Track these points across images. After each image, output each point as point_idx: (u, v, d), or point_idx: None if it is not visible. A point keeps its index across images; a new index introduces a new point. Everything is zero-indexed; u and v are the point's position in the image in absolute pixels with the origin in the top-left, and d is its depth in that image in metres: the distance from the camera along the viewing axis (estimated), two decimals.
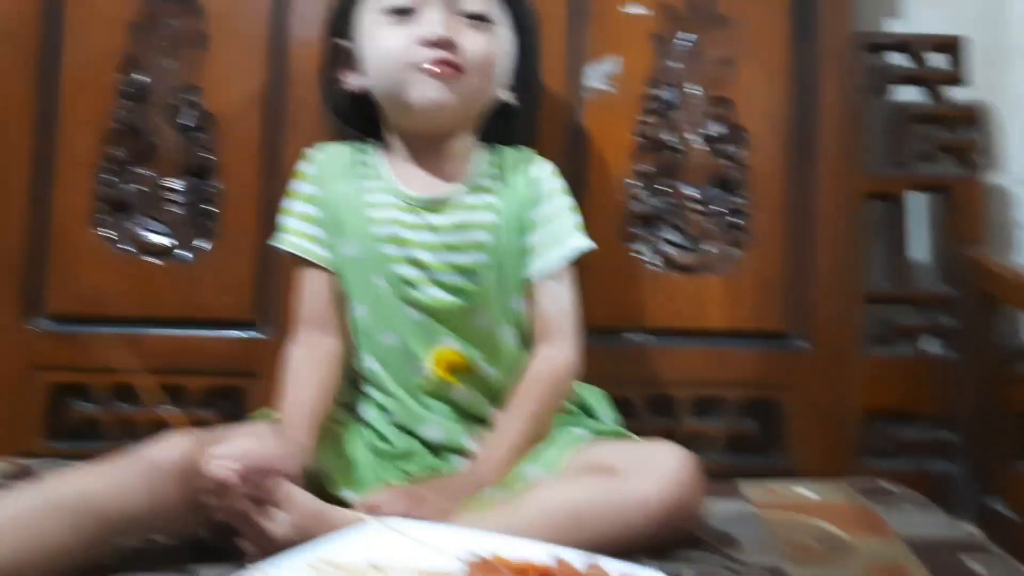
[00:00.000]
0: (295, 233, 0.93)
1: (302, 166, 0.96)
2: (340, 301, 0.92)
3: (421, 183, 0.93)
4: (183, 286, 1.10)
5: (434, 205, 0.91)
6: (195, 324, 1.10)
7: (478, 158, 0.95)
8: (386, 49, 0.89)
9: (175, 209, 1.12)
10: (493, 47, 0.91)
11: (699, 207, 1.12)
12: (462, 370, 0.89)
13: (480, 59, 0.89)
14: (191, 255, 1.11)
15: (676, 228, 1.12)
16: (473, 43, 0.89)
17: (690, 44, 1.13)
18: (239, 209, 1.11)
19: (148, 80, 1.11)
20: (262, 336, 1.09)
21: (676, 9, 1.13)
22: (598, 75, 1.13)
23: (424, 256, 0.89)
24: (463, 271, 0.89)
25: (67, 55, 1.11)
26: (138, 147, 1.11)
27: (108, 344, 1.09)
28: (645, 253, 1.12)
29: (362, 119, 0.97)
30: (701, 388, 1.10)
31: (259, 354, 1.08)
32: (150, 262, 1.11)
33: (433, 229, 0.90)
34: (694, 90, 1.13)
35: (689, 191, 1.13)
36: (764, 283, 1.10)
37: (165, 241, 1.11)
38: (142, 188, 1.12)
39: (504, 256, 0.90)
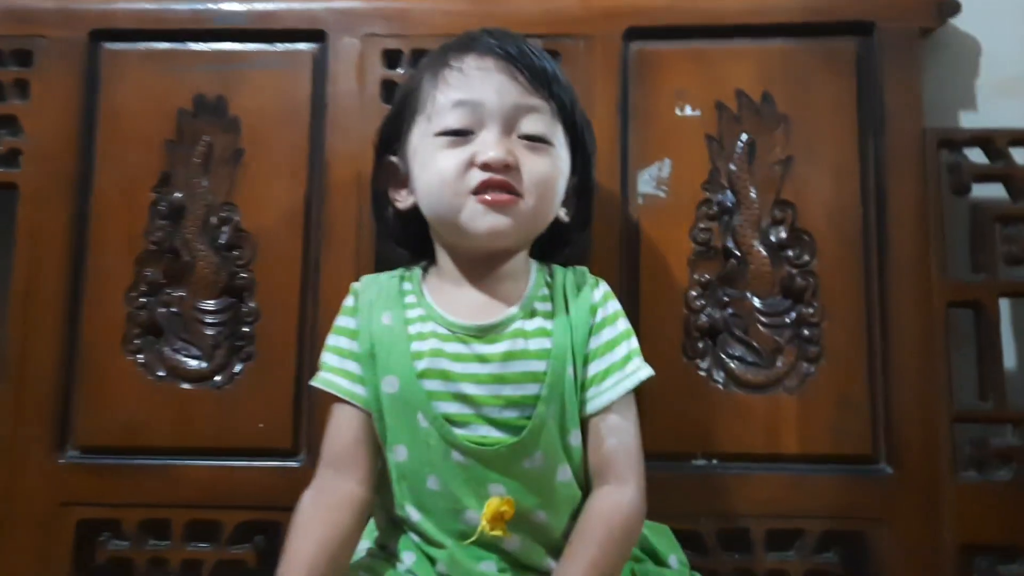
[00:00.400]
0: (329, 369, 0.86)
1: (346, 300, 0.89)
2: (370, 444, 0.84)
3: (469, 308, 0.86)
4: (219, 413, 1.05)
5: (483, 333, 0.84)
6: (231, 454, 1.04)
7: (532, 278, 0.89)
8: (440, 173, 0.83)
9: (210, 331, 1.07)
10: (552, 170, 0.85)
11: (765, 318, 1.05)
12: (515, 520, 0.81)
13: (539, 183, 0.84)
14: (227, 380, 1.06)
15: (742, 342, 1.04)
16: (532, 166, 0.83)
17: (747, 144, 1.07)
18: (277, 330, 1.06)
19: (182, 197, 1.08)
20: (302, 465, 1.03)
21: (731, 109, 1.07)
22: (651, 180, 1.07)
23: (471, 390, 0.81)
24: (515, 404, 0.81)
25: (100, 175, 1.08)
26: (173, 268, 1.07)
27: (140, 476, 1.03)
28: (709, 370, 1.04)
29: (412, 237, 0.92)
30: (777, 519, 1.00)
31: (299, 485, 0.98)
32: (184, 388, 1.05)
33: (482, 359, 0.82)
34: (753, 193, 1.06)
35: (754, 301, 1.05)
36: (841, 401, 1.01)
37: (200, 365, 1.06)
38: (176, 310, 1.07)
39: (560, 387, 0.82)
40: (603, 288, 0.89)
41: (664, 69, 1.08)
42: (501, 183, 0.82)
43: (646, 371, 0.86)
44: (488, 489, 0.81)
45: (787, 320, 1.04)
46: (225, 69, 1.08)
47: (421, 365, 0.82)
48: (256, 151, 1.08)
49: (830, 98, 1.07)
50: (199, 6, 1.09)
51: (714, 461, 1.02)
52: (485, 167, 0.81)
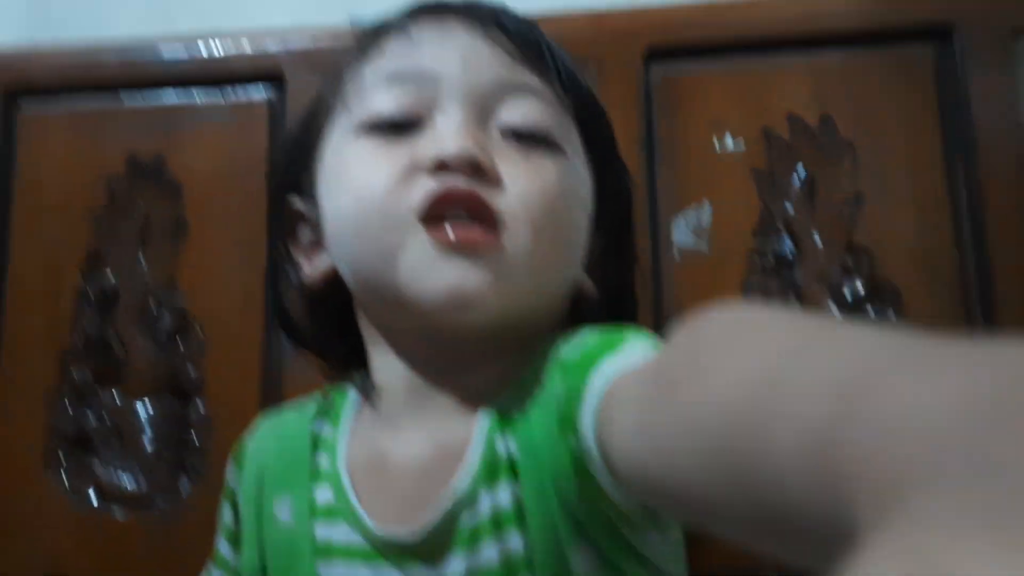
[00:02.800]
0: None
1: (228, 462, 0.61)
2: None
3: (405, 484, 0.50)
4: (159, 545, 0.83)
5: (420, 548, 0.48)
6: None
7: (502, 396, 0.50)
8: (360, 185, 0.49)
9: (150, 443, 0.86)
10: (560, 184, 0.50)
11: None
12: None
13: (537, 204, 0.49)
14: (171, 504, 0.84)
15: None
16: (523, 176, 0.49)
17: (806, 180, 0.86)
18: (231, 440, 0.84)
19: (114, 280, 0.88)
20: None
21: (782, 138, 0.86)
22: (688, 229, 0.86)
23: None
24: None
25: (16, 258, 0.89)
26: (104, 365, 0.87)
27: None
28: None
29: (334, 335, 0.58)
30: None
31: None
32: (119, 520, 0.84)
33: None
34: (817, 239, 0.85)
35: None
36: None
37: (138, 487, 0.85)
38: (108, 418, 0.86)
39: (546, 546, 0.46)
40: (577, 336, 0.49)
41: (695, 95, 0.88)
42: (467, 197, 0.47)
43: (646, 342, 0.45)
44: None
45: None
46: (163, 125, 0.90)
47: None
48: (203, 220, 0.88)
49: (905, 119, 0.86)
50: (132, 54, 0.92)
51: None
52: (440, 167, 0.48)
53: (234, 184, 0.89)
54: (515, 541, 0.46)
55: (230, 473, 0.59)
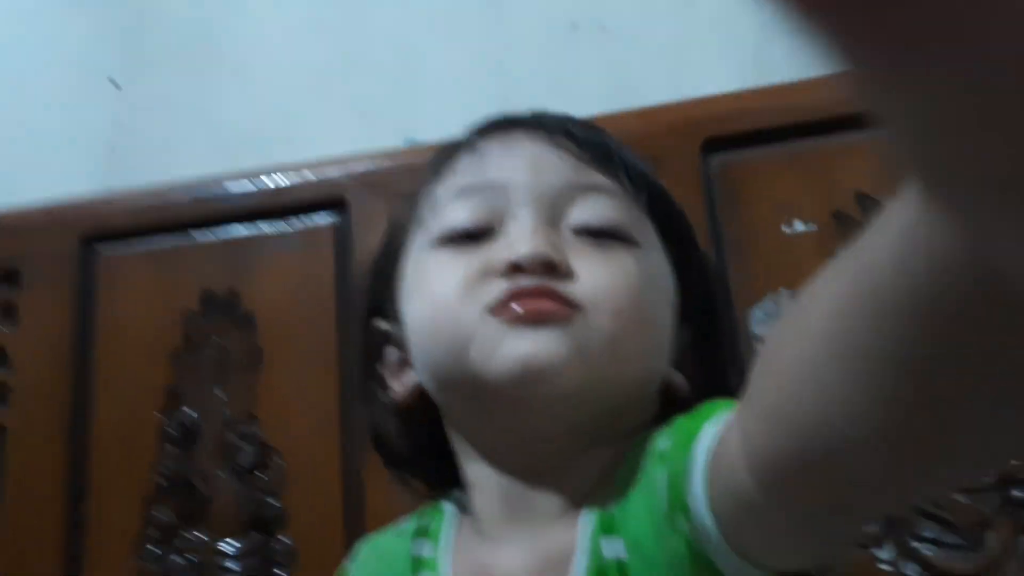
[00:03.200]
0: None
1: None
2: None
3: None
4: None
5: None
6: None
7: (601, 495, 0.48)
8: (435, 290, 0.49)
9: None
10: (636, 275, 0.49)
11: (962, 496, 0.77)
12: None
13: (613, 293, 0.48)
14: None
15: (932, 516, 0.77)
16: (598, 269, 0.48)
17: None
18: (316, 571, 0.83)
19: (194, 416, 0.89)
20: None
21: (852, 217, 0.84)
22: (766, 319, 0.83)
23: None
24: None
25: (100, 403, 0.90)
26: (187, 505, 0.87)
27: None
28: (894, 562, 0.76)
29: (426, 454, 0.56)
30: None
31: None
32: None
33: None
34: None
35: None
36: None
37: None
38: (194, 559, 0.86)
39: None
40: (671, 425, 0.47)
41: (758, 181, 0.87)
42: (540, 288, 0.46)
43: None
44: None
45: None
46: (233, 258, 0.92)
47: None
48: (277, 349, 0.89)
49: None
50: (201, 192, 0.95)
51: None
52: (514, 270, 0.47)
53: (304, 310, 0.90)
54: None
55: None
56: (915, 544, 0.76)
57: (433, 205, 0.52)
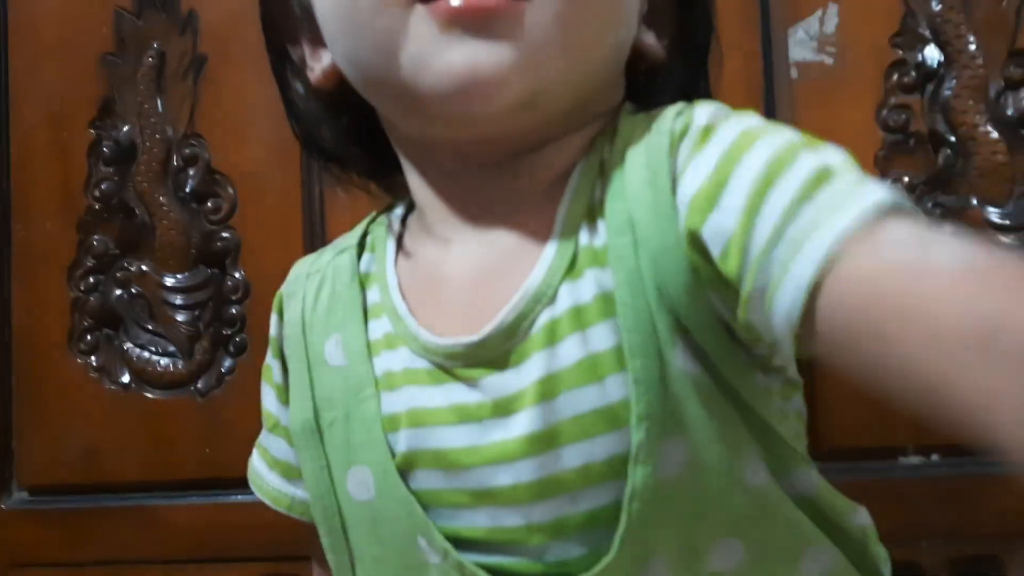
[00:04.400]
0: (258, 449, 0.53)
1: (271, 319, 0.52)
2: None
3: (466, 293, 0.43)
4: (206, 430, 0.75)
5: (486, 353, 0.41)
6: (226, 486, 0.73)
7: (574, 179, 0.42)
8: None
9: (185, 317, 0.76)
10: None
11: (1006, 235, 0.67)
12: None
13: None
14: (214, 383, 0.75)
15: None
16: None
17: None
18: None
19: (130, 131, 0.77)
20: None
21: None
22: (808, 39, 0.70)
23: (499, 477, 0.40)
24: (593, 482, 0.39)
25: (17, 113, 0.78)
26: (126, 231, 0.77)
27: (107, 522, 0.75)
28: None
29: (356, 139, 0.49)
30: None
31: None
32: (157, 398, 0.76)
33: (500, 409, 0.40)
34: (973, 45, 0.68)
35: (991, 213, 0.67)
36: None
37: (176, 365, 0.76)
38: (137, 290, 0.77)
39: (666, 399, 0.38)
40: (690, 109, 0.40)
41: None
42: None
43: (880, 195, 0.32)
44: None
45: None
46: None
47: (400, 444, 0.42)
48: (223, 56, 0.75)
49: None
50: None
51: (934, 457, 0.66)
52: None
53: (257, 13, 0.75)
54: (601, 336, 0.39)
55: (273, 326, 0.51)
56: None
57: None
